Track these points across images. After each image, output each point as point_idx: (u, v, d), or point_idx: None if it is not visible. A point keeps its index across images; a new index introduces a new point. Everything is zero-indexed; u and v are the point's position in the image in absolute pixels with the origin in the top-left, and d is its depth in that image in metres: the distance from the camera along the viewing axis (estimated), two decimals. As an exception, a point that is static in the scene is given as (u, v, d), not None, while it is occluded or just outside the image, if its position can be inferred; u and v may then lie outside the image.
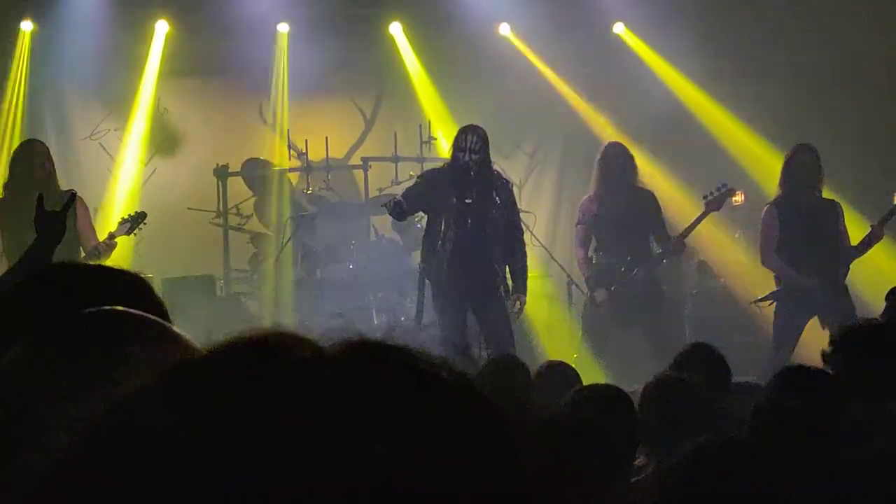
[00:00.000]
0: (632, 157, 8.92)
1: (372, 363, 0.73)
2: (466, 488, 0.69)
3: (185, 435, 0.70)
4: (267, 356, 0.74)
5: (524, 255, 8.28)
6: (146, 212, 8.28)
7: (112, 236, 7.91)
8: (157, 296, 1.60)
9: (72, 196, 4.98)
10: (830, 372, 3.99)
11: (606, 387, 4.33)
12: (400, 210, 7.95)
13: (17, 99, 11.62)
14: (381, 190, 11.12)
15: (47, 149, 8.23)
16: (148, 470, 0.69)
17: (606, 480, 3.50)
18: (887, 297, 5.99)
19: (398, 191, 9.78)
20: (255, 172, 11.21)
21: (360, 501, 0.67)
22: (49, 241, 4.40)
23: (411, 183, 8.52)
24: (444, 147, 10.36)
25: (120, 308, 1.42)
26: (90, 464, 0.71)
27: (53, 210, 4.73)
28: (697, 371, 4.57)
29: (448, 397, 0.73)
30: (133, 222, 8.08)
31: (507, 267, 8.13)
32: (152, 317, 1.41)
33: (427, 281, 8.13)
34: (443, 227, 7.97)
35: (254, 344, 0.75)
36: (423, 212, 8.34)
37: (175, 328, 1.39)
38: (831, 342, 4.16)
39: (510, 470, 0.72)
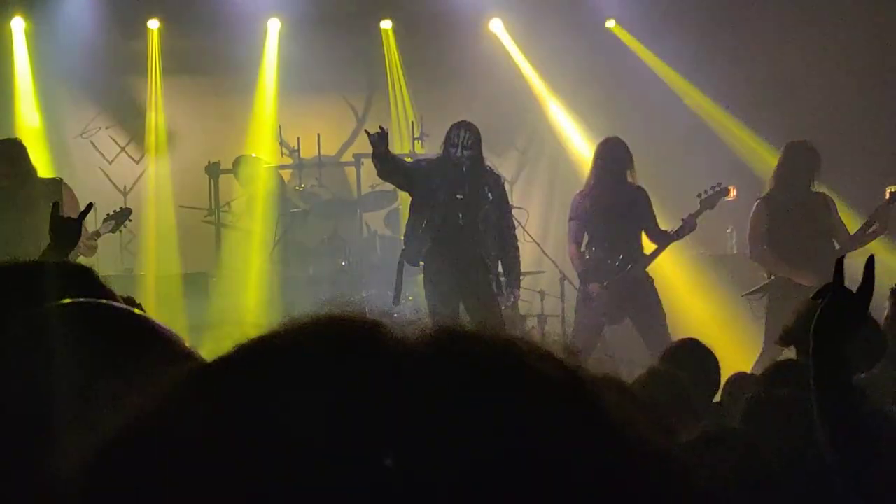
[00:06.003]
0: (628, 153, 8.83)
1: (477, 357, 0.68)
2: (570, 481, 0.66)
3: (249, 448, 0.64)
4: (356, 347, 0.67)
5: (517, 250, 8.27)
6: (132, 208, 8.17)
7: (97, 234, 7.67)
8: (102, 282, 1.57)
9: (88, 206, 4.91)
10: None
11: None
12: (383, 159, 7.76)
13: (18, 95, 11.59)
14: (373, 186, 11.11)
15: (24, 147, 8.09)
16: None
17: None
18: (892, 295, 5.73)
19: (389, 187, 9.79)
20: (247, 169, 11.18)
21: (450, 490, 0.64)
22: (63, 246, 4.41)
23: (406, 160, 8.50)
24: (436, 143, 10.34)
25: (89, 300, 1.41)
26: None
27: (70, 216, 4.72)
28: (687, 366, 4.57)
29: (553, 394, 0.69)
30: (118, 220, 7.89)
31: (499, 263, 8.12)
32: (123, 306, 1.40)
33: (409, 265, 8.09)
34: (427, 215, 7.94)
35: (337, 332, 0.68)
36: (407, 192, 8.29)
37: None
38: None
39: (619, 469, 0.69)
